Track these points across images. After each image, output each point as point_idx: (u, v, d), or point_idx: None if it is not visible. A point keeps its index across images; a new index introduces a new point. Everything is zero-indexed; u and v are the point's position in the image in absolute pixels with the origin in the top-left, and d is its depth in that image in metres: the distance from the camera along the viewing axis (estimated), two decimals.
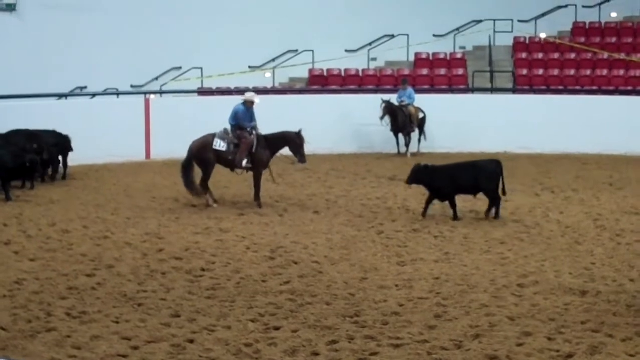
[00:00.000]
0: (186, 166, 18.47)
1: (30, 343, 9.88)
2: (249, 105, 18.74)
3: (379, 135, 26.82)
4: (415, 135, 26.88)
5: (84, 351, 9.67)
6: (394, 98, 26.79)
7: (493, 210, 17.04)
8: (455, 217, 16.86)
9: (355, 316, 11.01)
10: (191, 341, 10.02)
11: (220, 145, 18.49)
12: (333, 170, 23.63)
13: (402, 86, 27.40)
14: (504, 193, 17.26)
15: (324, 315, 11.00)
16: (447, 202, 17.19)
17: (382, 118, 26.13)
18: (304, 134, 18.69)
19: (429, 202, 17.19)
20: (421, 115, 26.91)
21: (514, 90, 30.03)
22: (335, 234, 15.83)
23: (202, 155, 18.50)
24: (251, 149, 18.53)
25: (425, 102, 27.25)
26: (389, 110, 26.27)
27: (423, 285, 12.45)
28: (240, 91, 28.57)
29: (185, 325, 10.64)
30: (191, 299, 11.73)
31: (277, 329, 10.51)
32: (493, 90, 30.08)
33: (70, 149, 22.12)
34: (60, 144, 21.92)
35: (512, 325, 10.58)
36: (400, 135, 26.75)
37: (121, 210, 17.88)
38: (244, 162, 18.54)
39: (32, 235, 15.52)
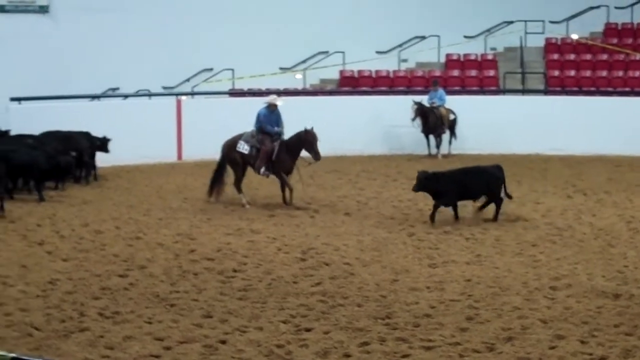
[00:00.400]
0: (221, 165, 18.71)
1: (63, 343, 9.96)
2: (272, 108, 18.81)
3: (410, 137, 26.78)
4: (446, 136, 26.80)
5: (116, 351, 9.73)
6: (424, 99, 26.74)
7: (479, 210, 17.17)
8: (457, 217, 16.94)
9: (386, 318, 11.01)
10: (223, 342, 10.06)
11: (243, 147, 18.57)
12: (364, 172, 23.60)
13: (433, 87, 27.35)
14: (510, 196, 17.35)
15: (355, 317, 11.00)
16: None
17: (413, 119, 26.10)
18: (317, 131, 18.66)
19: (436, 207, 16.90)
20: (452, 117, 26.84)
21: (546, 92, 29.86)
22: (367, 235, 15.83)
23: (229, 155, 18.80)
24: (271, 156, 18.55)
25: (456, 104, 27.16)
26: (420, 111, 26.23)
27: (454, 287, 12.42)
28: (271, 92, 28.68)
29: (217, 325, 10.67)
30: (223, 300, 11.77)
31: (308, 330, 10.53)
32: (524, 91, 29.92)
33: (107, 151, 22.31)
34: (94, 145, 22.10)
35: (544, 328, 10.54)
36: (431, 137, 26.70)
37: (153, 211, 17.96)
38: (262, 169, 18.64)
39: (65, 235, 15.63)
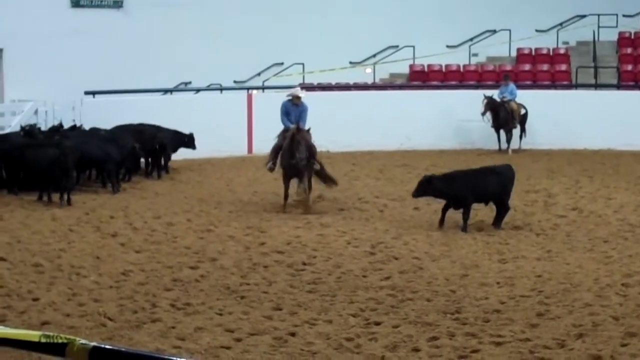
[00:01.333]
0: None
1: (135, 333, 10.10)
2: (295, 101, 18.19)
3: (480, 132, 26.64)
4: (516, 131, 26.60)
5: (187, 342, 9.84)
6: (495, 94, 26.56)
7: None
8: (465, 228, 15.77)
9: (456, 313, 10.98)
10: (292, 334, 10.12)
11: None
12: (433, 166, 23.47)
13: (504, 82, 27.15)
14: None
15: (424, 312, 11.00)
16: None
17: (483, 114, 25.93)
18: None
19: (445, 210, 16.06)
20: (523, 112, 26.62)
21: (619, 86, 29.50)
22: (436, 230, 15.79)
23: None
24: (278, 152, 17.93)
25: (528, 98, 26.95)
26: (491, 106, 26.06)
27: (525, 283, 12.35)
28: (340, 87, 28.74)
29: (287, 318, 10.75)
30: (292, 293, 11.85)
31: (377, 324, 10.55)
32: (597, 86, 29.59)
33: (194, 147, 22.72)
34: (181, 142, 22.60)
35: (616, 325, 10.43)
36: (502, 132, 26.51)
37: (224, 204, 18.12)
38: (269, 164, 18.19)
39: (138, 227, 15.84)
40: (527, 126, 26.63)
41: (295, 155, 17.34)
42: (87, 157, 19.27)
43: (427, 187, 16.00)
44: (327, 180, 18.39)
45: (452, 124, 26.75)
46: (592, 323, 10.47)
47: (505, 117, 26.19)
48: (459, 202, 15.91)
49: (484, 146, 26.75)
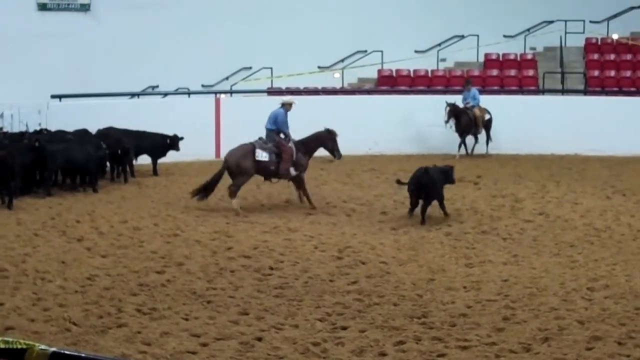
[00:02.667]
0: (219, 175, 18.15)
1: (101, 338, 10.04)
2: (288, 108, 18.52)
3: (447, 137, 26.66)
4: (482, 136, 26.65)
5: (153, 347, 9.80)
6: (459, 100, 26.62)
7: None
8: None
9: (422, 317, 11.01)
10: (259, 339, 10.10)
11: (262, 156, 18.15)
12: (401, 171, 23.51)
13: (466, 87, 27.20)
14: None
15: (391, 316, 11.01)
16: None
17: (446, 122, 25.89)
18: (335, 129, 18.82)
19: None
20: (487, 117, 26.65)
21: (585, 92, 29.68)
22: (403, 234, 15.82)
23: (242, 165, 18.07)
24: (293, 157, 18.32)
25: (495, 104, 27.07)
26: (453, 112, 26.08)
27: (491, 287, 12.39)
28: (309, 91, 28.73)
29: (254, 323, 10.72)
30: (259, 297, 11.82)
31: (344, 328, 10.55)
32: (564, 91, 29.75)
33: (178, 149, 23.07)
34: (165, 144, 22.83)
35: (581, 329, 10.48)
36: (466, 137, 26.52)
37: (191, 209, 18.05)
38: (292, 171, 18.33)
39: (104, 232, 15.76)
40: (493, 131, 26.69)
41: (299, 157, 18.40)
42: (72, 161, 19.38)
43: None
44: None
45: (420, 129, 26.78)
46: (557, 327, 10.52)
47: (467, 123, 26.24)
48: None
49: (451, 151, 26.80)
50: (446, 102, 26.08)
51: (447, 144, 26.79)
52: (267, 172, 18.39)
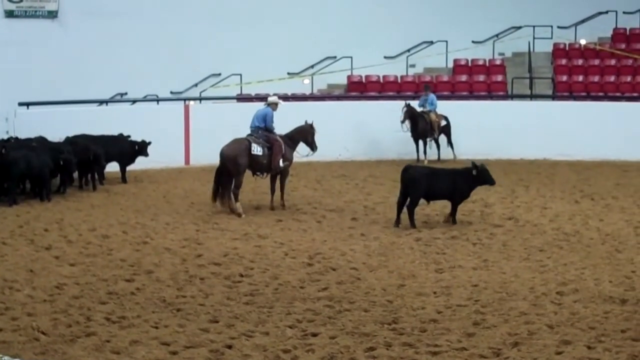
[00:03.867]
0: (221, 173, 18.50)
1: (70, 347, 9.97)
2: (273, 108, 19.09)
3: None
4: (441, 142, 26.70)
5: (123, 356, 9.74)
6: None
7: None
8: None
9: (393, 323, 11.01)
10: (229, 347, 10.07)
11: (257, 149, 18.63)
12: (371, 177, 23.60)
13: (424, 92, 27.27)
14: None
15: (361, 322, 11.00)
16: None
17: (402, 122, 25.96)
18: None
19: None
20: (443, 123, 26.70)
21: (554, 97, 29.84)
22: (373, 240, 15.83)
23: (239, 160, 18.48)
24: (282, 150, 18.87)
25: (464, 109, 27.17)
26: (410, 114, 26.13)
27: (461, 293, 12.41)
28: (279, 97, 28.67)
29: (224, 330, 10.68)
30: (229, 305, 11.78)
31: (314, 335, 10.53)
32: (532, 96, 29.91)
33: (146, 154, 22.98)
34: (134, 150, 22.78)
35: (551, 333, 10.52)
36: (420, 142, 26.59)
37: (160, 216, 17.98)
38: (281, 164, 18.83)
39: (73, 240, 15.67)
40: (463, 136, 26.71)
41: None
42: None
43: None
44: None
45: (390, 134, 26.76)
46: (527, 332, 10.55)
47: (424, 128, 26.30)
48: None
49: (421, 156, 26.86)
50: (405, 103, 26.15)
51: (421, 148, 26.84)
52: (260, 166, 18.86)
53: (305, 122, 19.59)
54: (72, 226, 16.83)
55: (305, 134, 19.55)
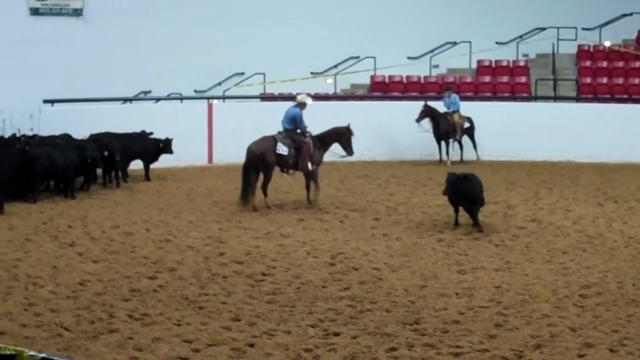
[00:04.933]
0: (248, 170, 18.61)
1: (92, 344, 10.00)
2: (302, 107, 19.08)
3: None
4: (463, 143, 26.65)
5: (145, 353, 9.76)
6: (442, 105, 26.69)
7: None
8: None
9: (414, 324, 10.99)
10: (251, 345, 10.07)
11: (282, 149, 18.70)
12: (393, 177, 23.58)
13: (446, 93, 27.21)
14: None
15: (383, 322, 10.99)
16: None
17: (418, 121, 25.90)
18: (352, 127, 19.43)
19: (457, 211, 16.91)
20: (467, 125, 26.62)
21: (578, 99, 29.72)
22: (396, 240, 15.81)
23: (266, 158, 18.64)
24: (311, 152, 18.87)
25: (488, 110, 27.10)
26: (430, 115, 26.07)
27: (483, 294, 12.38)
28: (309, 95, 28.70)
29: (246, 329, 10.70)
30: (251, 303, 11.80)
31: (336, 334, 10.53)
32: (556, 98, 29.81)
33: (171, 152, 23.01)
34: (158, 147, 22.77)
35: (573, 336, 10.47)
36: (443, 143, 26.53)
37: (183, 214, 18.04)
38: (309, 166, 18.85)
39: (96, 237, 15.73)
40: (486, 137, 26.65)
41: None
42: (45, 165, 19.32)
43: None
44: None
45: (412, 135, 26.72)
46: (550, 334, 10.51)
47: (446, 129, 26.24)
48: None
49: (443, 157, 26.81)
50: (425, 103, 26.12)
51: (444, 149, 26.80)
52: (286, 165, 19.02)
53: (345, 126, 19.45)
54: (96, 223, 16.91)
55: (338, 136, 19.41)
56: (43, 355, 3.88)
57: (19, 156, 18.93)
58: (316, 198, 18.96)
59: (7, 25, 27.08)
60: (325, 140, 19.31)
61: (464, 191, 16.56)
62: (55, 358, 3.91)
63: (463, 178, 16.68)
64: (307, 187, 19.07)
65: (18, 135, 21.80)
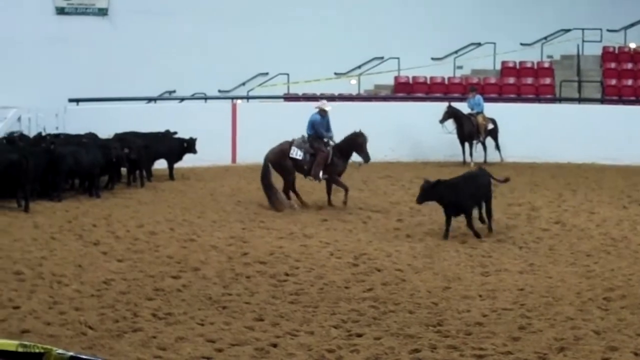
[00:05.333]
0: (265, 175, 18.70)
1: (116, 342, 10.05)
2: (322, 113, 19.07)
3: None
4: (487, 145, 26.59)
5: (168, 352, 9.80)
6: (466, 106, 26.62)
7: None
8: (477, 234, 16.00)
9: (438, 325, 10.97)
10: (274, 345, 10.09)
11: (297, 153, 18.73)
12: (417, 178, 23.47)
13: (471, 94, 27.14)
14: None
15: (406, 324, 10.99)
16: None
17: (442, 122, 25.85)
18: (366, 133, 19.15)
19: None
20: (491, 126, 26.53)
21: (602, 101, 29.60)
22: (419, 242, 15.80)
23: (279, 162, 18.83)
24: (327, 161, 18.81)
25: (512, 112, 27.04)
26: (454, 116, 26.01)
27: (507, 296, 12.35)
28: (325, 97, 28.72)
29: (269, 329, 10.72)
30: (275, 303, 11.82)
31: (359, 335, 10.53)
32: (580, 100, 29.69)
33: (194, 151, 23.12)
34: (182, 147, 22.86)
35: (597, 339, 10.43)
36: (466, 144, 26.47)
37: (207, 214, 18.09)
38: (321, 175, 18.87)
39: (120, 236, 15.80)
40: (510, 139, 26.57)
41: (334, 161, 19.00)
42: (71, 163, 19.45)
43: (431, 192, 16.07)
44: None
45: (436, 136, 26.70)
46: (573, 337, 10.47)
47: (470, 130, 26.18)
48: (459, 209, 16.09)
49: (467, 159, 26.76)
50: (448, 104, 26.08)
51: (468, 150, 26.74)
52: (301, 170, 19.06)
53: (354, 131, 19.09)
54: (120, 222, 16.98)
55: (352, 144, 19.05)
56: (71, 353, 3.90)
57: (44, 155, 19.05)
58: (345, 200, 18.92)
59: (33, 24, 27.24)
60: (342, 149, 19.08)
61: (443, 197, 16.10)
62: (83, 356, 3.92)
63: (434, 184, 16.18)
64: (328, 192, 19.10)
65: (43, 134, 21.92)
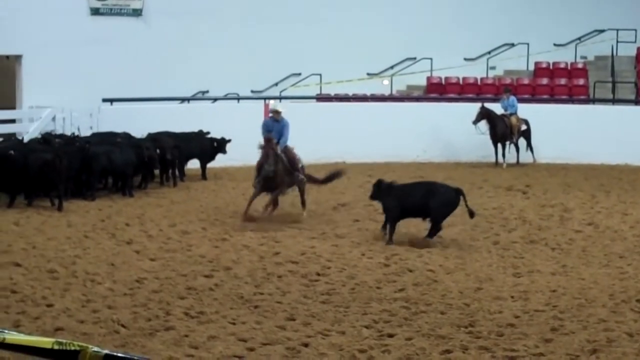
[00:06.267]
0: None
1: (149, 341, 10.12)
2: (275, 116, 18.32)
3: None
4: (519, 146, 26.46)
5: (200, 351, 9.86)
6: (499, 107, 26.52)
7: None
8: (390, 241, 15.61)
9: (469, 326, 10.96)
10: (305, 345, 10.12)
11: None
12: (449, 179, 23.39)
13: (504, 95, 27.01)
14: (472, 214, 15.92)
15: (438, 324, 10.98)
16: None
17: (475, 122, 25.73)
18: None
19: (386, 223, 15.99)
20: (523, 127, 26.39)
21: (637, 102, 29.39)
22: (450, 242, 15.76)
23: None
24: (260, 169, 17.74)
25: (545, 112, 26.90)
26: (487, 117, 25.89)
27: (539, 298, 12.31)
28: (357, 98, 28.71)
29: (300, 328, 10.75)
30: (306, 303, 11.85)
31: (391, 336, 10.54)
32: (615, 101, 29.49)
33: (225, 152, 23.14)
34: (213, 147, 22.96)
35: (630, 341, 10.38)
36: (499, 145, 26.35)
37: (239, 214, 18.10)
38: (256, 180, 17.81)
39: (153, 235, 15.89)
40: (543, 140, 26.44)
41: (264, 167, 17.49)
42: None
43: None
44: (318, 182, 18.65)
45: (468, 137, 26.62)
46: (606, 339, 10.42)
47: (503, 131, 26.05)
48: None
49: (499, 160, 26.66)
50: (481, 105, 25.99)
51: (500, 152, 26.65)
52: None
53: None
54: (153, 221, 17.08)
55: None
56: (106, 351, 3.93)
57: (78, 154, 19.19)
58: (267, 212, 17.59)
59: (67, 25, 27.37)
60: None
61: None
62: (118, 354, 3.96)
63: (377, 184, 16.13)
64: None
65: (76, 133, 22.09)
